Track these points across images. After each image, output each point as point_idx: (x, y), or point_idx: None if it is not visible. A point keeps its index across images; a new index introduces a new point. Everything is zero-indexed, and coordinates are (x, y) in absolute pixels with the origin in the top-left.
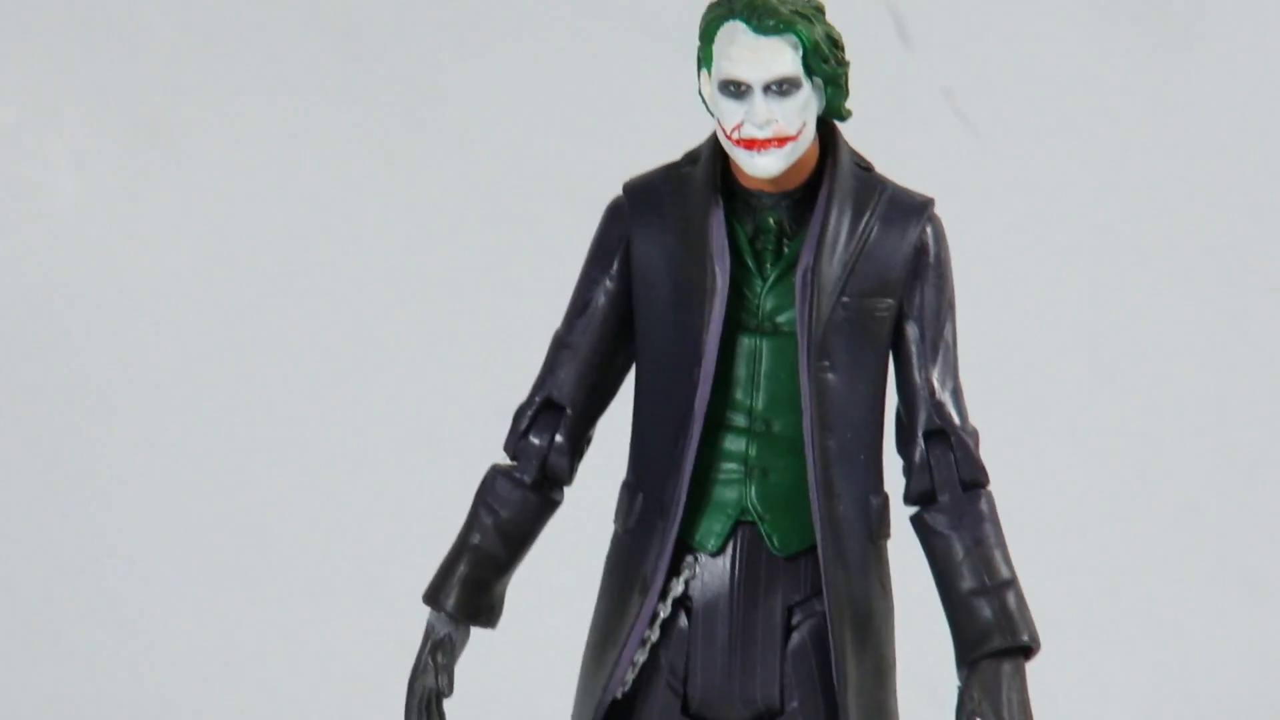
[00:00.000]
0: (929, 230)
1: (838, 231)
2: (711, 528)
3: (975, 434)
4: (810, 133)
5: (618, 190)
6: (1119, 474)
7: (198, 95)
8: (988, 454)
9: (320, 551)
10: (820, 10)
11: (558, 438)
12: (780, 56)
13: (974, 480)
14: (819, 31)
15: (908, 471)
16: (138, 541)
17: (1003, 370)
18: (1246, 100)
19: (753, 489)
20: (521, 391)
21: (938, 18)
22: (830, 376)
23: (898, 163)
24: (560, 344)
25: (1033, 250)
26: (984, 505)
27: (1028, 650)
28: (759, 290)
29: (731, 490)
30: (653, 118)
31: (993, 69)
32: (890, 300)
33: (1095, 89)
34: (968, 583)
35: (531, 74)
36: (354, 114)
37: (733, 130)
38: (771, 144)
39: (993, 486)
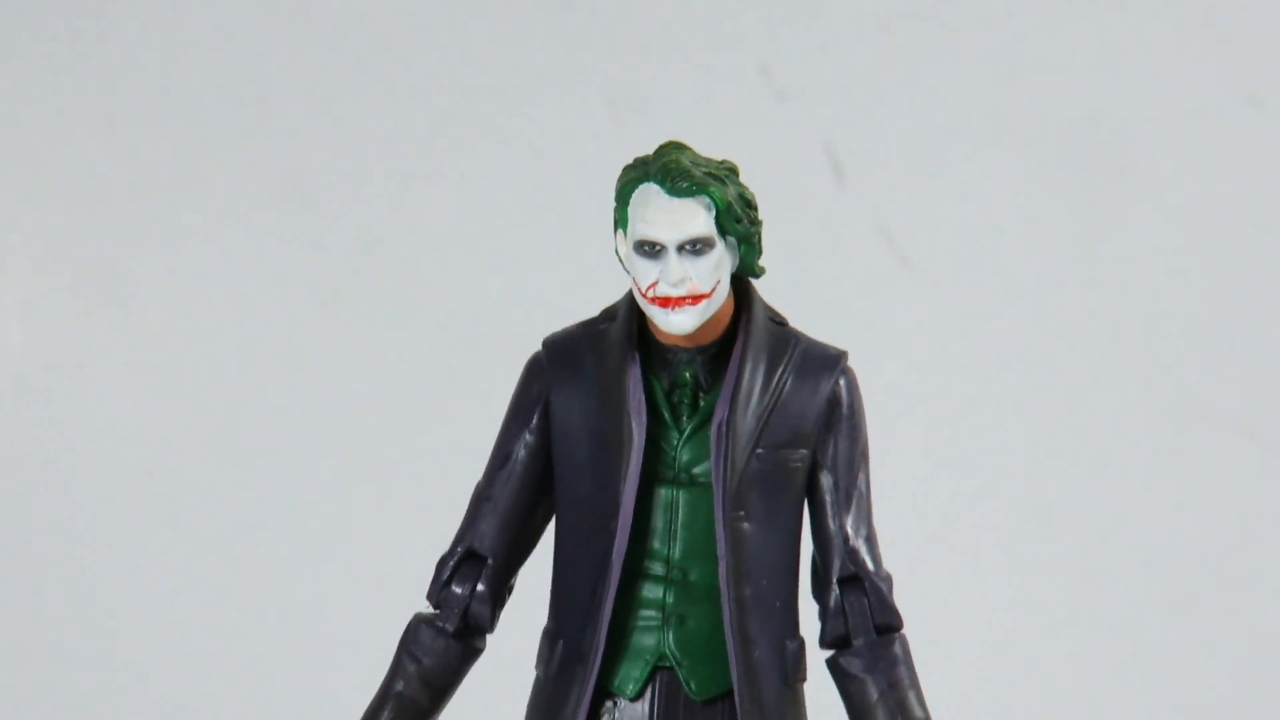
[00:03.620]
0: (842, 382)
1: (752, 385)
2: (630, 673)
3: (889, 579)
4: (724, 290)
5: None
6: (1050, 602)
7: (143, 242)
8: (923, 593)
9: (259, 692)
10: (734, 171)
11: (479, 587)
12: (694, 218)
13: (888, 624)
14: (731, 192)
15: (823, 616)
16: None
17: (938, 505)
18: (1177, 241)
19: (670, 635)
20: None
21: (873, 158)
22: (745, 526)
23: (834, 300)
24: (481, 496)
25: (968, 386)
26: (898, 649)
27: None
28: (675, 443)
29: (650, 637)
30: (588, 264)
31: (927, 208)
32: (804, 451)
33: (1028, 228)
34: None
35: (471, 222)
36: (298, 260)
37: (648, 289)
38: (686, 302)
39: (918, 624)
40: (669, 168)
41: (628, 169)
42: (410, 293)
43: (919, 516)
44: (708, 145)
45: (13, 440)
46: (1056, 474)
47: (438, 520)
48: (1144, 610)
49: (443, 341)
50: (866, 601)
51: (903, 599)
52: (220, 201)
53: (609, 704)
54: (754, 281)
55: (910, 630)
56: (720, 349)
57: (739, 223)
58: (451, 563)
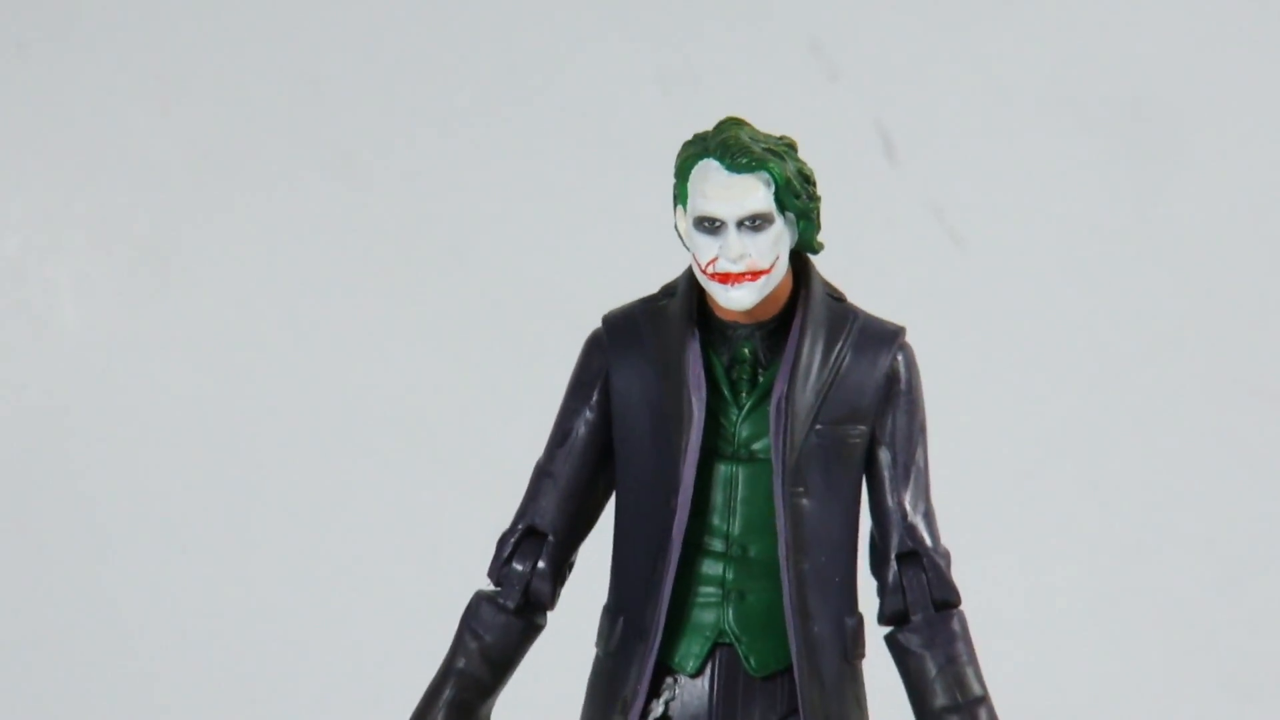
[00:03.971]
0: (900, 358)
1: (810, 361)
2: (690, 650)
3: (947, 555)
4: (783, 266)
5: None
6: (1104, 579)
7: (197, 219)
8: (977, 561)
9: (318, 662)
10: (792, 147)
11: (540, 564)
12: (753, 193)
13: (946, 600)
14: (790, 168)
15: (881, 592)
16: (140, 662)
17: (992, 478)
18: (1230, 210)
19: (730, 612)
20: (509, 514)
21: (924, 136)
22: (805, 502)
23: (886, 278)
24: (542, 473)
25: (1020, 362)
26: (956, 624)
27: None
28: (735, 419)
29: (709, 613)
30: (643, 240)
31: (979, 185)
32: (863, 427)
33: (1081, 204)
34: (941, 700)
35: (524, 197)
36: (351, 236)
37: (708, 264)
38: (745, 277)
39: (974, 600)
40: (728, 144)
41: (687, 145)
42: (463, 270)
43: (973, 493)
44: (758, 122)
45: (67, 418)
46: (1110, 450)
47: (492, 499)
48: (1197, 585)
49: (496, 319)
50: (925, 577)
51: (959, 574)
52: (273, 179)
53: (669, 680)
54: (812, 258)
55: (966, 605)
56: (779, 325)
57: (798, 198)
58: (512, 540)
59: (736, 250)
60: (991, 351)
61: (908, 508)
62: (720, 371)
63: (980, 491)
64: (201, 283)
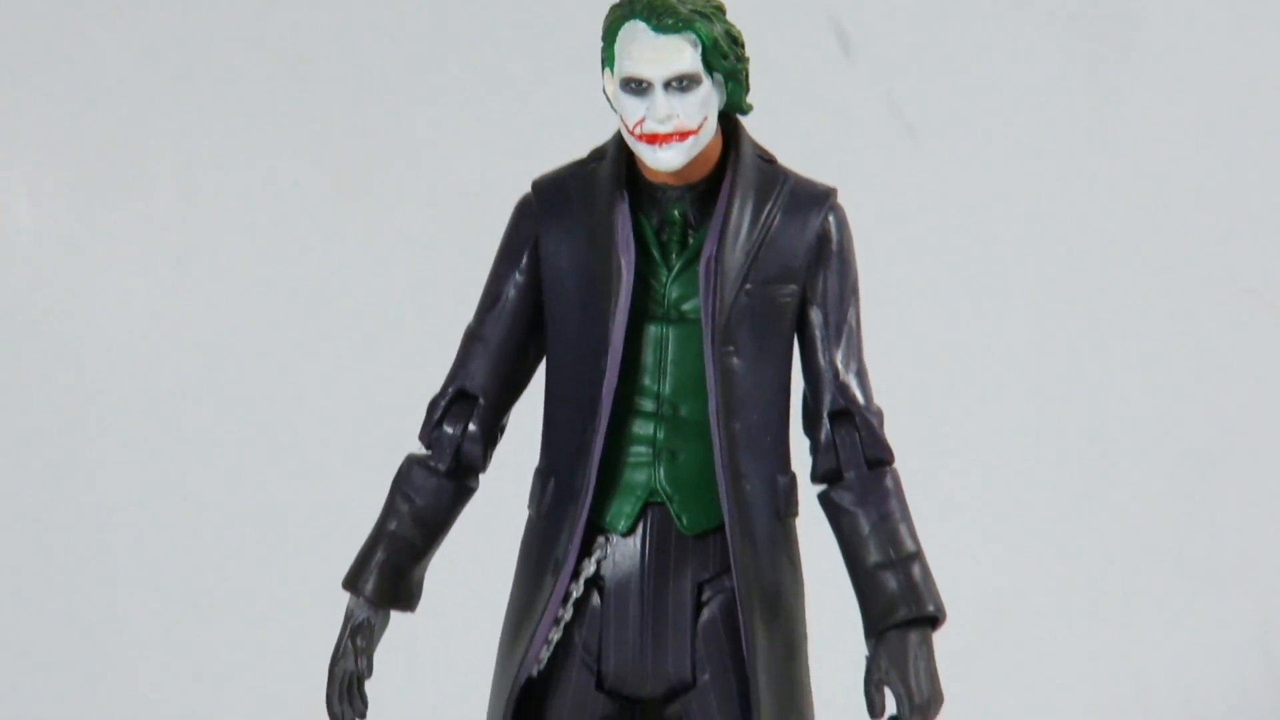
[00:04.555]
0: (831, 218)
1: (740, 221)
2: (622, 509)
3: (879, 413)
4: (711, 127)
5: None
6: (1070, 468)
7: (150, 122)
8: (943, 456)
9: (284, 563)
10: (720, 9)
11: (471, 427)
12: (680, 54)
13: (878, 458)
14: (718, 29)
15: (814, 451)
16: (98, 570)
17: (950, 374)
18: (1188, 104)
19: (661, 471)
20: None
21: (878, 27)
22: (735, 361)
23: (841, 172)
24: (472, 336)
25: (975, 256)
26: (889, 482)
27: (934, 620)
28: (664, 280)
29: (641, 473)
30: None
31: (935, 78)
32: (793, 286)
33: (1037, 96)
34: (874, 557)
35: (476, 97)
36: (306, 136)
37: (635, 126)
38: (673, 138)
39: (933, 493)
40: (654, 5)
41: (614, 7)
42: (421, 171)
43: (932, 390)
44: None
45: (21, 323)
46: (1067, 343)
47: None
48: (1156, 476)
49: (456, 218)
50: (857, 436)
51: (911, 460)
52: (227, 82)
53: (601, 540)
54: (743, 120)
55: (924, 504)
56: (709, 187)
57: (725, 59)
58: (443, 403)
59: (664, 111)
60: (946, 246)
61: (839, 367)
62: (650, 234)
63: (939, 388)
64: (156, 186)
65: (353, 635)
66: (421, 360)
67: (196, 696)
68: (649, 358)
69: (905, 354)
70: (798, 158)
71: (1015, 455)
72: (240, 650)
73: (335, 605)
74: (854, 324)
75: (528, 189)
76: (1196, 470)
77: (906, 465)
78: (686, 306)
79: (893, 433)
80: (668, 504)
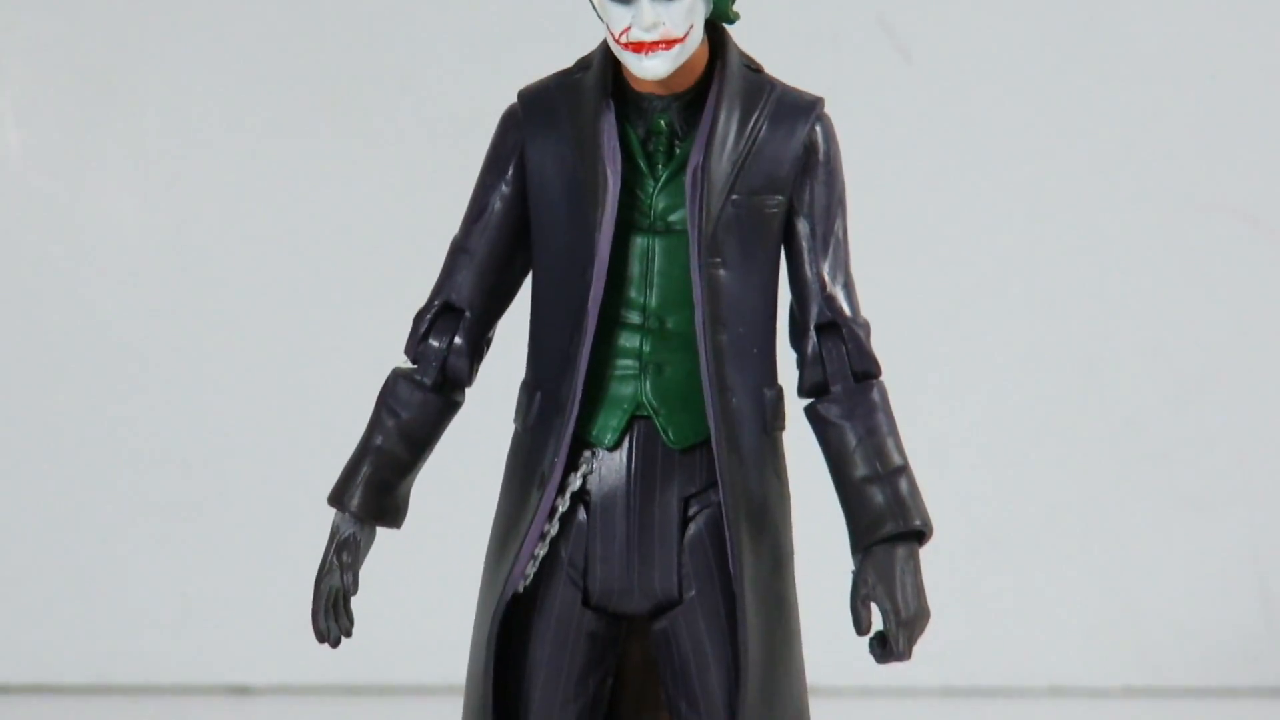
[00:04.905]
0: (818, 129)
1: (726, 131)
2: (608, 423)
3: (867, 326)
4: (698, 35)
5: None
6: (1060, 389)
7: (141, 48)
8: (936, 382)
9: (270, 478)
10: None
11: (457, 340)
12: None
13: (866, 371)
14: None
15: (801, 364)
16: (85, 491)
17: (942, 296)
18: (1178, 28)
19: (648, 384)
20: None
21: None
22: (721, 273)
23: (834, 94)
24: (458, 249)
25: (966, 177)
26: (876, 395)
27: (921, 535)
28: (651, 190)
29: (627, 386)
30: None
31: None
32: (780, 197)
33: (1029, 16)
34: (861, 470)
35: (467, 20)
36: (295, 57)
37: (621, 34)
38: (659, 46)
39: (925, 417)
40: None
41: None
42: (411, 94)
43: (924, 312)
44: None
45: (10, 243)
46: (1059, 264)
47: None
48: (1148, 398)
49: (445, 142)
50: (844, 348)
51: (904, 381)
52: (219, 5)
53: (587, 454)
54: (729, 29)
55: (918, 425)
56: (696, 96)
57: None
58: (429, 316)
59: (650, 19)
60: (939, 166)
61: (826, 279)
62: (636, 144)
63: (930, 309)
64: (145, 106)
65: (338, 551)
66: (410, 276)
67: (183, 612)
68: (635, 269)
69: (895, 272)
70: (790, 78)
71: (1005, 377)
72: (225, 564)
73: (321, 521)
74: (841, 235)
75: (514, 99)
76: (1188, 393)
77: (894, 384)
78: (673, 217)
79: (881, 351)
80: (654, 417)
